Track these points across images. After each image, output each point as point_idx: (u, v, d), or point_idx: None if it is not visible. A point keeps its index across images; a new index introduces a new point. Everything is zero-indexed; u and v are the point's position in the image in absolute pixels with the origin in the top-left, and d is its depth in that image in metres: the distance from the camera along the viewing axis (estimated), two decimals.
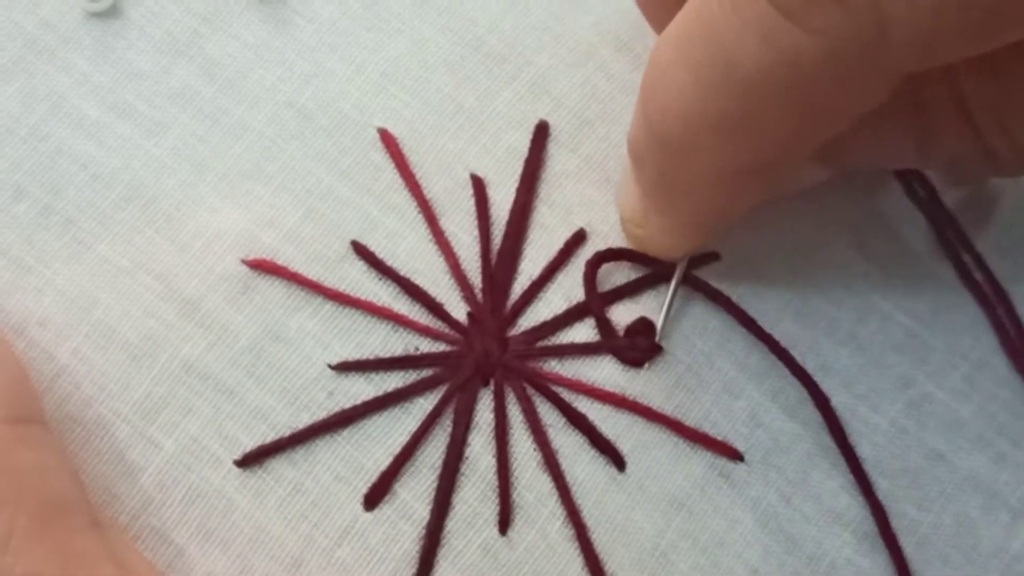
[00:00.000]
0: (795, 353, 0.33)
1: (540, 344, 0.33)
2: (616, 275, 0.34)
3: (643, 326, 0.33)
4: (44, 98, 0.34)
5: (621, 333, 0.33)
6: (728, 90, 0.25)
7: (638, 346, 0.33)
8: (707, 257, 0.34)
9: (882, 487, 0.33)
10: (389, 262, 0.33)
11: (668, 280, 0.33)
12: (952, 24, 0.23)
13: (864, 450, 0.33)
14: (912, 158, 0.32)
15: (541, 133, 0.35)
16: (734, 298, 0.34)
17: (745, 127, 0.26)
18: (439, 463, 0.31)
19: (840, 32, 0.23)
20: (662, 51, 0.27)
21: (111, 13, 0.35)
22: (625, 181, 0.32)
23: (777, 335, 0.34)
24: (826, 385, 0.33)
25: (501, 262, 0.34)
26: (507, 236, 0.34)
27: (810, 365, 0.33)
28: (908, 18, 0.23)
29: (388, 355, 0.32)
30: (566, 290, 0.34)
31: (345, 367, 0.32)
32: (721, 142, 0.27)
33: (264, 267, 0.33)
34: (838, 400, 0.33)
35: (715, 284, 0.34)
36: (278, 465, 0.31)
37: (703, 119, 0.27)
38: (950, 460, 0.33)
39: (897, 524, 0.32)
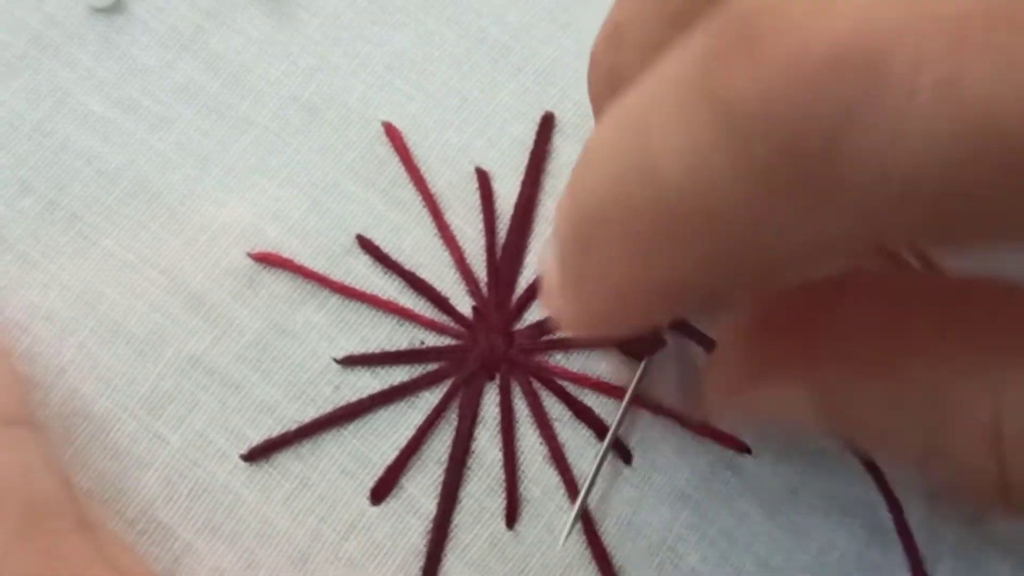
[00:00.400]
0: None
1: (545, 338, 0.33)
2: None
3: None
4: (49, 94, 0.34)
5: None
6: (645, 200, 0.21)
7: (641, 339, 0.33)
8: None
9: (891, 478, 0.32)
10: (394, 256, 0.33)
11: None
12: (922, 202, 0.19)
13: None
14: (915, 457, 0.27)
15: (547, 124, 0.35)
16: None
17: (656, 238, 0.22)
18: (445, 457, 0.31)
19: (782, 172, 0.19)
20: (603, 120, 0.24)
21: (115, 9, 0.35)
22: (548, 239, 0.28)
23: None
24: None
25: (506, 256, 0.33)
26: (512, 230, 0.34)
27: None
28: (866, 181, 0.18)
29: (394, 349, 0.32)
30: None
31: (350, 361, 0.32)
32: (628, 244, 0.23)
33: (270, 260, 0.33)
34: None
35: None
36: (284, 459, 0.31)
37: (614, 210, 0.22)
38: None
39: (907, 516, 0.32)
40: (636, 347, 0.33)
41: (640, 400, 0.32)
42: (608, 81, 0.27)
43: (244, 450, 0.31)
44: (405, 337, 0.32)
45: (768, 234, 0.20)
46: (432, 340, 0.32)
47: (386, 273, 0.33)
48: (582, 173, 0.24)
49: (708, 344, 0.33)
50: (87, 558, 0.27)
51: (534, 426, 0.32)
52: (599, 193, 0.23)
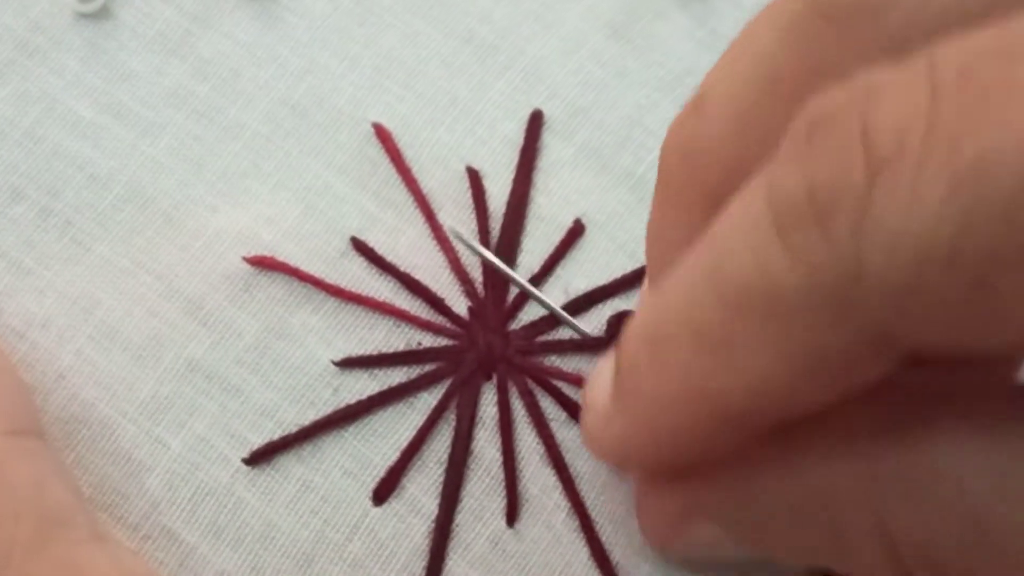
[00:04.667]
0: None
1: (541, 339, 0.33)
2: (615, 268, 0.34)
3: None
4: (37, 100, 0.34)
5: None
6: (709, 296, 0.23)
7: None
8: None
9: None
10: (389, 258, 0.33)
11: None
12: (930, 291, 0.20)
13: None
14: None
15: (535, 122, 0.35)
16: None
17: (719, 347, 0.23)
18: (445, 457, 0.32)
19: (816, 260, 0.21)
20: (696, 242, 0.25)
21: (102, 14, 0.35)
22: (600, 363, 0.29)
23: None
24: None
25: (500, 255, 0.34)
26: (505, 229, 0.34)
27: None
28: (884, 265, 0.20)
29: (391, 351, 0.33)
30: (564, 283, 0.34)
31: (349, 363, 0.32)
32: (695, 356, 0.24)
33: (265, 264, 0.33)
34: None
35: None
36: (286, 462, 0.31)
37: (684, 323, 0.24)
38: None
39: None
40: None
41: None
42: (682, 152, 0.27)
43: (246, 454, 0.31)
44: (402, 338, 0.33)
45: (821, 329, 0.22)
46: (429, 341, 0.33)
47: (381, 275, 0.33)
48: (663, 282, 0.25)
49: None
50: (102, 567, 0.27)
51: (531, 426, 0.32)
52: (674, 300, 0.24)
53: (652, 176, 0.35)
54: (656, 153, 0.35)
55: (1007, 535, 0.23)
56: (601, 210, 0.35)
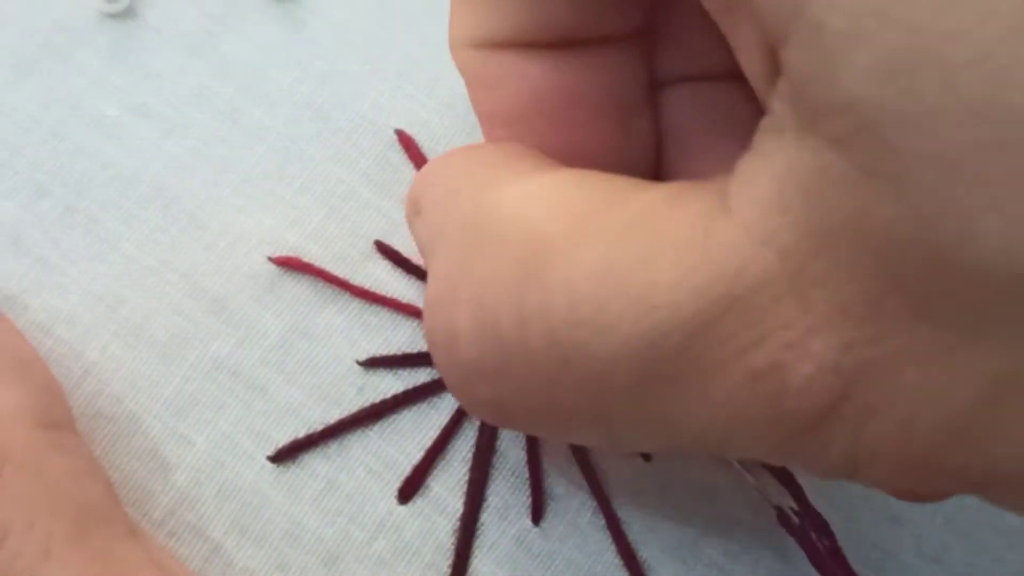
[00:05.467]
0: None
1: None
2: None
3: None
4: (62, 99, 0.35)
5: None
6: None
7: None
8: None
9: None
10: (413, 260, 0.34)
11: None
12: None
13: None
14: None
15: None
16: None
17: None
18: (470, 456, 0.32)
19: None
20: None
21: (126, 14, 0.36)
22: None
23: None
24: None
25: None
26: None
27: None
28: None
29: (415, 351, 0.33)
30: None
31: (373, 363, 0.33)
32: None
33: (291, 264, 0.33)
34: None
35: None
36: (311, 460, 0.32)
37: None
38: None
39: None
40: None
41: None
42: None
43: (271, 451, 0.32)
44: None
45: None
46: None
47: (406, 277, 0.33)
48: None
49: None
50: (140, 561, 0.27)
51: None
52: None
53: None
54: None
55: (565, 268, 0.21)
56: None
